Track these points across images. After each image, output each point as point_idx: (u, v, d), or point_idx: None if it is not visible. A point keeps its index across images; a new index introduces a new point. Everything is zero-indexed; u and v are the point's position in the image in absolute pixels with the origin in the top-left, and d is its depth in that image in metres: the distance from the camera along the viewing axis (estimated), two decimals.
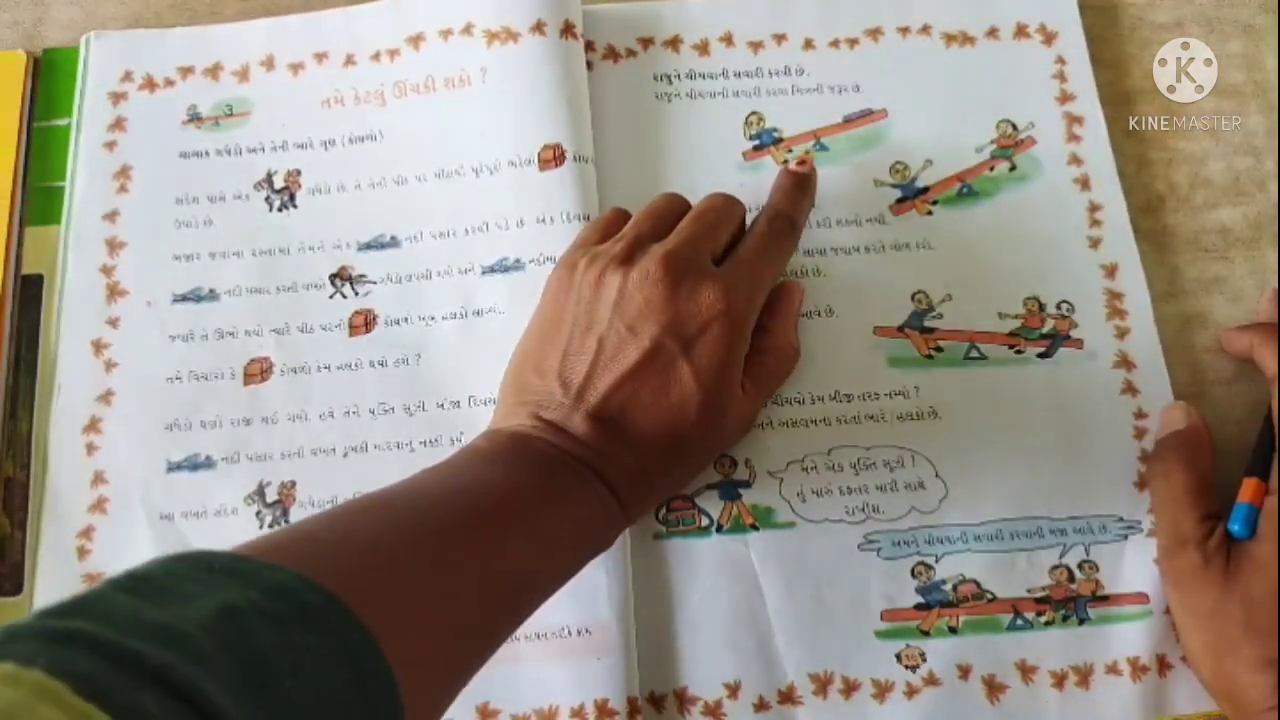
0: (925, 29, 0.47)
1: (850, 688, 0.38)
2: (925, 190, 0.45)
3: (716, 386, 0.37)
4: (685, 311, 0.36)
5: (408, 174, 0.45)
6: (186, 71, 0.47)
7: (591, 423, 0.36)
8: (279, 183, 0.45)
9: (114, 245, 0.44)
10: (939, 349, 0.43)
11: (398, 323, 0.43)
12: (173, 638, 0.22)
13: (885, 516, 0.40)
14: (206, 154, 0.46)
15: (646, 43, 0.47)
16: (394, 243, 0.44)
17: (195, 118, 0.46)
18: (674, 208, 0.41)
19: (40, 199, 0.45)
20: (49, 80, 0.47)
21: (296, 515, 0.41)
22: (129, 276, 0.44)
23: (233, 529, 0.40)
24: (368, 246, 0.44)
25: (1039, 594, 0.40)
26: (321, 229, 0.45)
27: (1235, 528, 0.37)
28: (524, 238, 0.43)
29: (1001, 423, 0.42)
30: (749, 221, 0.41)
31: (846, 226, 0.45)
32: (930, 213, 0.45)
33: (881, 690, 0.38)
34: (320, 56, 0.47)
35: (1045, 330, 0.43)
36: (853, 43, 0.47)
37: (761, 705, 0.38)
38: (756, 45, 0.47)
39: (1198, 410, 0.41)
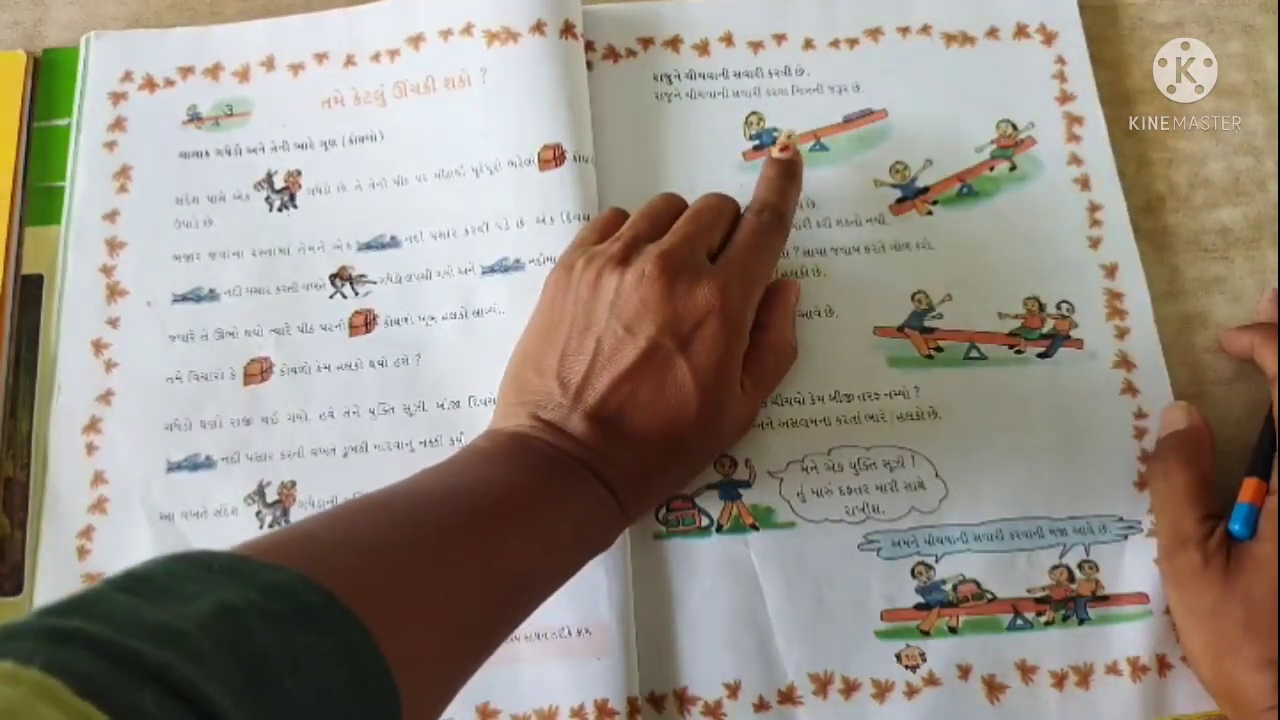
0: (925, 29, 0.47)
1: (850, 688, 0.38)
2: (925, 190, 0.45)
3: (715, 384, 0.37)
4: (682, 310, 0.36)
5: (408, 174, 0.45)
6: (186, 71, 0.47)
7: (590, 422, 0.36)
8: (279, 183, 0.45)
9: (114, 245, 0.44)
10: (939, 349, 0.43)
11: (398, 323, 0.43)
12: (172, 637, 0.22)
13: (885, 516, 0.40)
14: (206, 154, 0.46)
15: (646, 43, 0.47)
16: (394, 243, 0.44)
17: (195, 118, 0.46)
18: (670, 208, 0.41)
19: (40, 199, 0.45)
20: (49, 80, 0.47)
21: (296, 515, 0.41)
22: (129, 276, 0.44)
23: (233, 529, 0.40)
24: (368, 246, 0.44)
25: (1039, 594, 0.40)
26: (322, 229, 0.45)
27: (1236, 527, 0.37)
28: (524, 238, 0.43)
29: (1001, 423, 0.42)
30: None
31: (846, 226, 0.45)
32: (930, 213, 0.45)
33: (881, 690, 0.38)
34: (320, 57, 0.47)
35: (1045, 330, 0.43)
36: (853, 43, 0.47)
37: (761, 705, 0.38)
38: (756, 45, 0.47)
39: (1198, 410, 0.41)
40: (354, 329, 0.43)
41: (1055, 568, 0.40)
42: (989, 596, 0.40)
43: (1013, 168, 0.45)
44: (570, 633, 0.38)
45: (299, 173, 0.46)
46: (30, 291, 0.44)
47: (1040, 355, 0.43)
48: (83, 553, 0.40)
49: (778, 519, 0.40)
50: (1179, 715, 0.38)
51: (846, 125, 0.46)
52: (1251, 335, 0.42)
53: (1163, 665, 0.39)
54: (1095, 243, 0.44)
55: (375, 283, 0.44)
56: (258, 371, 0.43)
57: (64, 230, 0.44)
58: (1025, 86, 0.46)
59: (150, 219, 0.45)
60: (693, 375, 0.36)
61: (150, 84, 0.47)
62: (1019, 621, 0.39)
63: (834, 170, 0.45)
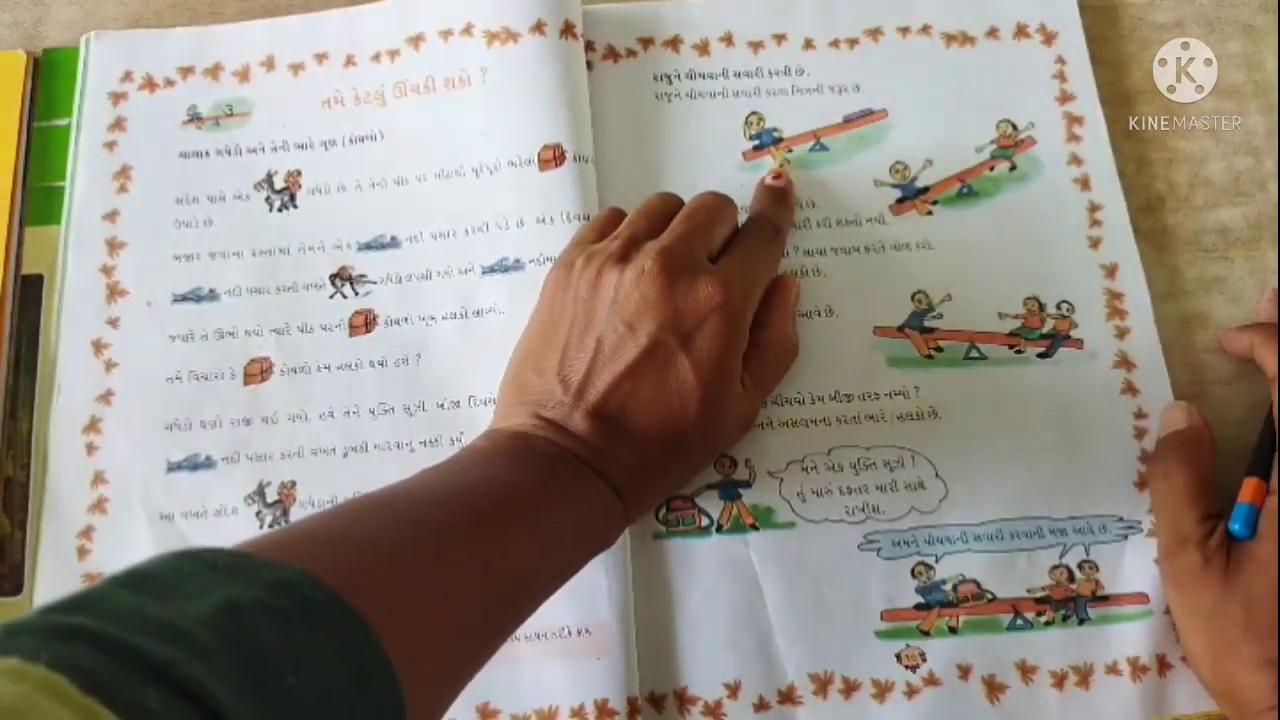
0: (925, 29, 0.47)
1: (850, 688, 0.38)
2: (925, 190, 0.45)
3: (716, 381, 0.37)
4: (683, 307, 0.36)
5: (408, 174, 0.45)
6: (186, 71, 0.47)
7: (592, 421, 0.36)
8: (279, 183, 0.45)
9: (114, 245, 0.44)
10: (939, 349, 0.43)
11: (398, 323, 0.43)
12: (175, 634, 0.22)
13: (885, 516, 0.40)
14: (206, 154, 0.46)
15: (646, 43, 0.47)
16: (394, 243, 0.44)
17: (195, 118, 0.46)
18: (668, 206, 0.41)
19: (40, 199, 0.45)
20: (49, 80, 0.47)
21: (296, 515, 0.41)
22: (129, 276, 0.44)
23: (233, 529, 0.40)
24: (368, 247, 0.44)
25: (1039, 594, 0.40)
26: (322, 229, 0.45)
27: (1236, 527, 0.37)
28: (524, 238, 0.43)
29: (1001, 423, 0.42)
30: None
31: (846, 226, 0.45)
32: (930, 213, 0.45)
33: (881, 690, 0.38)
34: (320, 57, 0.47)
35: (1045, 330, 0.43)
36: (853, 43, 0.47)
37: (761, 705, 0.38)
38: (756, 45, 0.47)
39: (1198, 410, 0.41)
40: (354, 329, 0.43)
41: (1055, 568, 0.40)
42: (989, 596, 0.40)
43: (1013, 168, 0.45)
44: (570, 633, 0.38)
45: (299, 173, 0.46)
46: (30, 291, 0.44)
47: (1040, 355, 0.43)
48: (83, 553, 0.40)
49: (778, 519, 0.40)
50: (1179, 715, 0.38)
51: (846, 125, 0.46)
52: (1251, 335, 0.42)
53: (1163, 665, 0.39)
54: (1095, 243, 0.44)
55: (375, 283, 0.44)
56: (258, 371, 0.43)
57: (64, 230, 0.44)
58: (1025, 86, 0.46)
59: (150, 219, 0.45)
60: (694, 372, 0.36)
61: (150, 84, 0.47)
62: (1019, 621, 0.39)
63: (834, 170, 0.45)
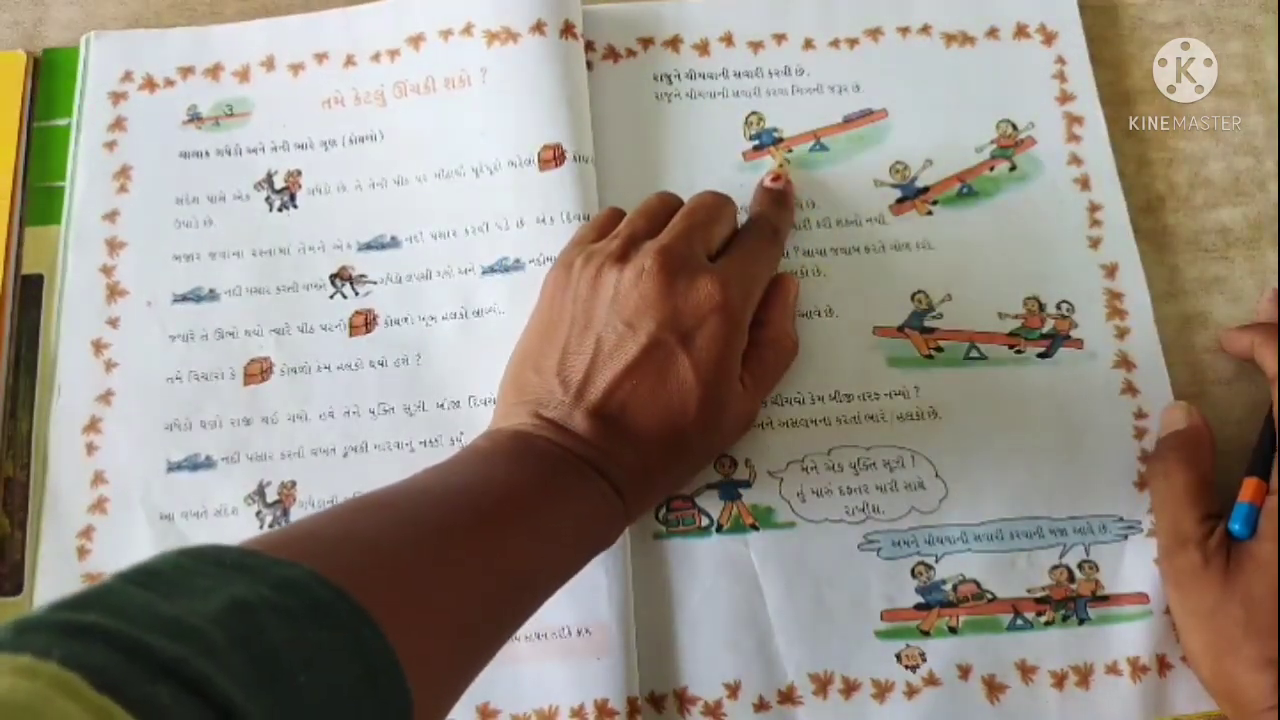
0: (925, 29, 0.47)
1: (850, 688, 0.38)
2: (925, 190, 0.45)
3: (715, 380, 0.37)
4: (682, 306, 0.36)
5: (408, 174, 0.45)
6: (186, 72, 0.47)
7: (592, 420, 0.36)
8: (279, 183, 0.45)
9: (114, 245, 0.44)
10: (939, 349, 0.43)
11: (398, 323, 0.43)
12: (185, 632, 0.22)
13: (885, 516, 0.40)
14: (206, 154, 0.46)
15: (646, 43, 0.47)
16: (394, 243, 0.44)
17: (195, 118, 0.46)
18: (667, 206, 0.41)
19: (40, 199, 0.45)
20: (49, 80, 0.47)
21: (296, 515, 0.41)
22: (129, 276, 0.44)
23: (233, 529, 0.40)
24: (368, 247, 0.44)
25: (1039, 594, 0.40)
26: (322, 229, 0.45)
27: (1236, 527, 0.37)
28: (524, 238, 0.43)
29: (1001, 423, 0.42)
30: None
31: (846, 226, 0.45)
32: (930, 213, 0.45)
33: (881, 690, 0.38)
34: (320, 57, 0.47)
35: (1045, 330, 0.43)
36: (853, 43, 0.47)
37: (761, 705, 0.38)
38: (756, 45, 0.47)
39: (1198, 410, 0.41)
40: (354, 329, 0.43)
41: (1055, 568, 0.40)
42: (989, 596, 0.40)
43: (1013, 168, 0.45)
44: (570, 633, 0.38)
45: (299, 173, 0.46)
46: (30, 291, 0.44)
47: (1040, 355, 0.43)
48: (83, 553, 0.40)
49: (778, 519, 0.40)
50: (1179, 715, 0.38)
51: (846, 125, 0.46)
52: (1251, 335, 0.42)
53: (1163, 665, 0.39)
54: (1095, 243, 0.44)
55: (375, 283, 0.44)
56: (258, 371, 0.43)
57: (64, 230, 0.44)
58: (1025, 86, 0.46)
59: (150, 219, 0.45)
60: (694, 371, 0.36)
61: (150, 84, 0.47)
62: (1019, 621, 0.39)
63: (834, 170, 0.45)
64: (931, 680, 0.39)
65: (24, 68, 0.47)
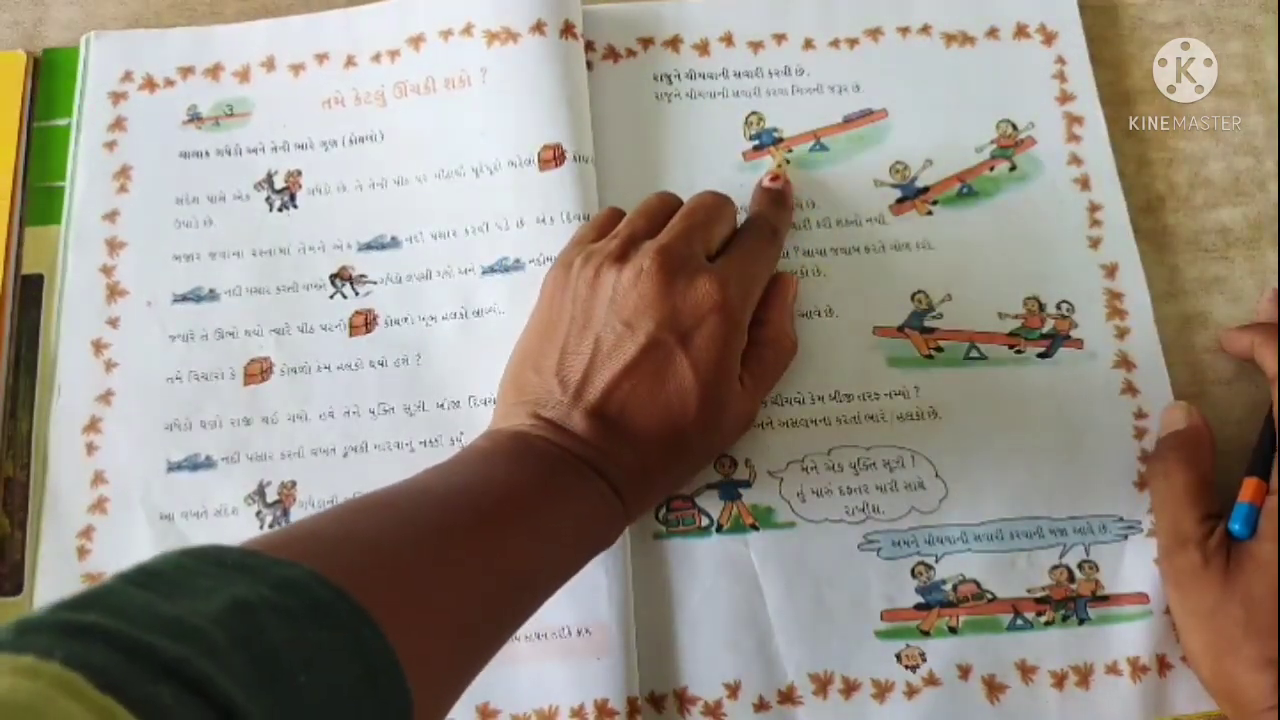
0: (925, 29, 0.47)
1: (850, 688, 0.38)
2: (925, 190, 0.45)
3: (715, 379, 0.37)
4: (681, 306, 0.36)
5: (408, 174, 0.45)
6: (187, 72, 0.47)
7: (591, 420, 0.36)
8: (279, 183, 0.45)
9: (114, 245, 0.44)
10: (939, 349, 0.43)
11: (398, 323, 0.43)
12: (186, 632, 0.22)
13: (885, 516, 0.40)
14: (206, 154, 0.46)
15: (646, 43, 0.47)
16: (394, 243, 0.44)
17: (195, 118, 0.46)
18: (666, 206, 0.41)
19: (40, 199, 0.45)
20: (49, 80, 0.47)
21: (296, 515, 0.41)
22: (129, 276, 0.44)
23: (233, 529, 0.40)
24: (368, 247, 0.44)
25: (1039, 594, 0.40)
26: (322, 229, 0.45)
27: (1236, 527, 0.37)
28: (524, 238, 0.43)
29: (1001, 423, 0.42)
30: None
31: (846, 226, 0.45)
32: (930, 213, 0.45)
33: (881, 690, 0.38)
34: (321, 57, 0.47)
35: (1045, 330, 0.43)
36: (853, 43, 0.47)
37: (761, 705, 0.38)
38: (756, 45, 0.47)
39: (1198, 410, 0.41)
40: (354, 329, 0.43)
41: (1055, 568, 0.40)
42: (989, 596, 0.40)
43: (1013, 168, 0.45)
44: (570, 633, 0.38)
45: (299, 173, 0.46)
46: (30, 291, 0.44)
47: (1040, 355, 0.43)
48: (83, 553, 0.40)
49: (778, 519, 0.40)
50: (1179, 715, 0.38)
51: (846, 125, 0.46)
52: (1251, 335, 0.42)
53: (1163, 665, 0.39)
54: (1095, 243, 0.44)
55: (375, 283, 0.44)
56: (258, 371, 0.43)
57: (64, 230, 0.44)
58: (1025, 86, 0.46)
59: (150, 219, 0.45)
60: (693, 371, 0.36)
61: (150, 84, 0.47)
62: (1019, 621, 0.39)
63: (834, 170, 0.45)
64: (931, 680, 0.39)
65: (24, 68, 0.47)
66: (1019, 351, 0.43)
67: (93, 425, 0.42)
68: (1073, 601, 0.39)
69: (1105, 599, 0.39)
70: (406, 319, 0.43)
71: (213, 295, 0.44)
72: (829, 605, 0.39)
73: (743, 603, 0.39)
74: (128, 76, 0.47)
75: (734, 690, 0.38)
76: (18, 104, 0.46)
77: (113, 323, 0.43)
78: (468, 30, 0.45)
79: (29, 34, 0.48)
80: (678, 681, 0.38)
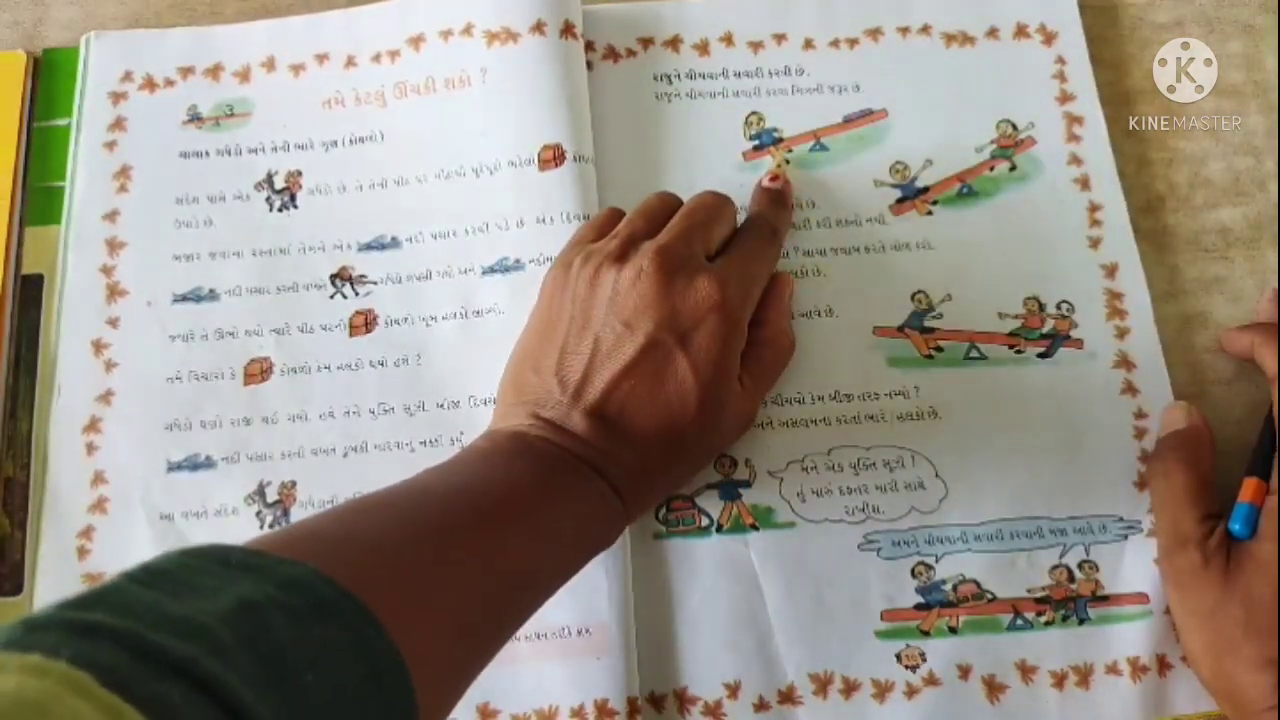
0: (925, 29, 0.47)
1: (850, 688, 0.38)
2: (925, 190, 0.45)
3: (714, 379, 0.37)
4: (680, 306, 0.36)
5: (408, 174, 0.45)
6: (187, 72, 0.47)
7: (590, 420, 0.36)
8: (279, 183, 0.45)
9: (114, 245, 0.44)
10: (939, 349, 0.43)
11: (398, 323, 0.43)
12: (193, 631, 0.22)
13: (885, 516, 0.40)
14: (207, 154, 0.46)
15: (646, 43, 0.47)
16: (394, 243, 0.44)
17: (195, 118, 0.46)
18: (666, 206, 0.41)
19: (40, 199, 0.45)
20: (49, 80, 0.47)
21: (297, 515, 0.41)
22: (129, 276, 0.44)
23: (233, 529, 0.40)
24: (368, 247, 0.44)
25: (1039, 594, 0.40)
26: (322, 229, 0.45)
27: (1236, 527, 0.37)
28: (524, 238, 0.43)
29: (1001, 423, 0.42)
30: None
31: (846, 226, 0.45)
32: (930, 213, 0.45)
33: (881, 690, 0.38)
34: (321, 58, 0.47)
35: (1045, 330, 0.43)
36: (853, 43, 0.47)
37: (761, 705, 0.38)
38: (756, 45, 0.47)
39: (1198, 410, 0.41)
40: (354, 329, 0.43)
41: (1055, 568, 0.40)
42: (989, 596, 0.40)
43: (1013, 168, 0.45)
44: (570, 633, 0.38)
45: (299, 173, 0.46)
46: (30, 291, 0.44)
47: (1040, 355, 0.43)
48: (83, 553, 0.40)
49: (778, 519, 0.40)
50: (1179, 715, 0.38)
51: (846, 125, 0.46)
52: (1251, 335, 0.42)
53: (1163, 665, 0.39)
54: (1095, 243, 0.44)
55: (375, 283, 0.44)
56: (258, 371, 0.43)
57: (64, 230, 0.44)
58: (1025, 86, 0.46)
59: (150, 219, 0.45)
60: (692, 371, 0.36)
61: (150, 84, 0.47)
62: (1019, 621, 0.39)
63: (834, 170, 0.45)
64: (931, 680, 0.39)
65: (24, 68, 0.47)
66: (1019, 351, 0.43)
67: (93, 425, 0.42)
68: (1073, 601, 0.39)
69: (1105, 599, 0.39)
70: (406, 319, 0.43)
71: (213, 295, 0.44)
72: (829, 605, 0.39)
73: (743, 603, 0.39)
74: (128, 76, 0.47)
75: (734, 690, 0.38)
76: (18, 104, 0.46)
77: (113, 323, 0.43)
78: (468, 30, 0.45)
79: (29, 34, 0.48)
80: (678, 681, 0.38)
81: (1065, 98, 0.46)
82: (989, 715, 0.38)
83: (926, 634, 0.39)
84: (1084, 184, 0.45)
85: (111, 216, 0.45)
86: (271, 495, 0.41)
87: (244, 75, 0.47)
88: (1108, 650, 0.39)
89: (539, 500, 0.34)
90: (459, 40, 0.46)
